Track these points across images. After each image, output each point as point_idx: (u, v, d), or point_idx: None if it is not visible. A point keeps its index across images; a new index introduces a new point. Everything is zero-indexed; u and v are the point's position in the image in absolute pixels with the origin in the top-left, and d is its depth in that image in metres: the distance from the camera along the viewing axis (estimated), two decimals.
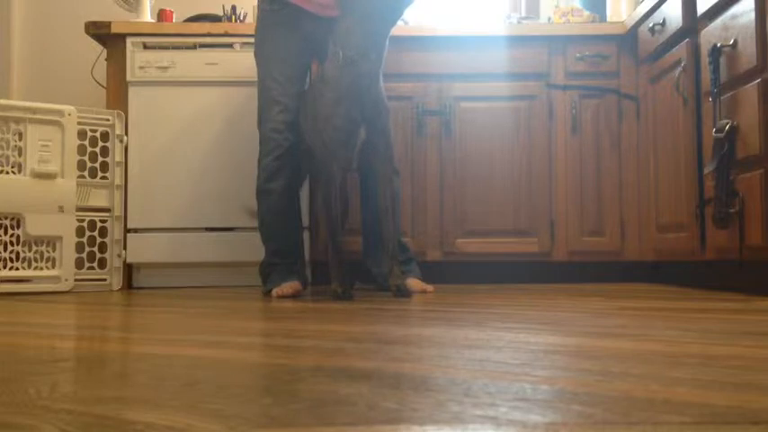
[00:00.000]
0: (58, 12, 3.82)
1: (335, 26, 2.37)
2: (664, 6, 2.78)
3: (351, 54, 2.29)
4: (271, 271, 2.59)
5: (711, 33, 2.37)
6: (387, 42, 2.37)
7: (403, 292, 2.34)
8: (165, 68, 3.14)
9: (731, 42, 2.22)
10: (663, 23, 2.79)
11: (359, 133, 2.35)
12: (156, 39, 3.16)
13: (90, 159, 3.01)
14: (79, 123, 2.96)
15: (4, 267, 2.74)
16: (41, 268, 2.82)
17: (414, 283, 2.62)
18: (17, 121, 2.81)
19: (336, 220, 2.38)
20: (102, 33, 3.19)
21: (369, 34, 2.30)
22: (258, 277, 2.71)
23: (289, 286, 2.48)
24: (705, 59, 2.38)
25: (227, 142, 3.14)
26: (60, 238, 2.86)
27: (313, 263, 3.09)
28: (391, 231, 2.43)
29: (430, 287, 2.62)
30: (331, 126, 2.32)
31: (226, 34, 3.18)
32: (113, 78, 3.19)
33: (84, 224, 2.98)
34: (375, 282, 2.73)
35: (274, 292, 2.49)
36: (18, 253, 2.78)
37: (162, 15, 3.36)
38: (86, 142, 3.00)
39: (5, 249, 2.76)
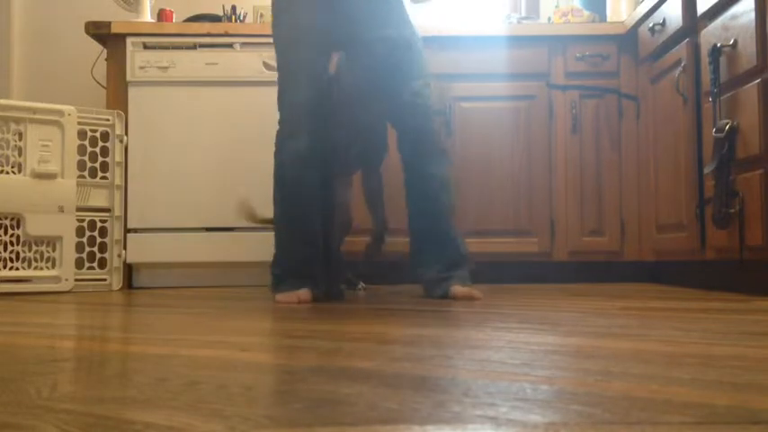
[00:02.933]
0: (58, 12, 3.82)
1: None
2: (664, 6, 2.78)
3: (352, 103, 2.25)
4: (289, 275, 2.23)
5: (711, 33, 2.37)
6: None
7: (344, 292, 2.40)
8: (165, 68, 3.14)
9: (731, 42, 2.22)
10: (663, 23, 2.79)
11: (350, 147, 2.33)
12: (156, 39, 3.17)
13: (90, 159, 3.01)
14: (79, 123, 2.96)
15: (4, 267, 2.74)
16: (41, 268, 2.82)
17: (456, 290, 2.23)
18: (17, 121, 2.81)
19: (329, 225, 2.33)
20: (102, 33, 3.19)
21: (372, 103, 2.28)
22: (257, 276, 2.59)
23: (295, 295, 2.17)
24: (705, 59, 2.38)
25: (227, 142, 3.14)
26: (60, 238, 2.86)
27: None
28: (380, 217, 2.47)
29: (477, 293, 2.22)
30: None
31: (226, 34, 3.18)
32: (113, 78, 3.19)
33: (84, 224, 2.98)
34: (423, 287, 2.38)
35: (280, 297, 2.21)
36: (18, 253, 2.78)
37: (162, 15, 3.36)
38: (86, 142, 3.00)
39: (5, 249, 2.76)
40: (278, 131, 2.29)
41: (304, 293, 2.17)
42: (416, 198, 2.31)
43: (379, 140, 2.45)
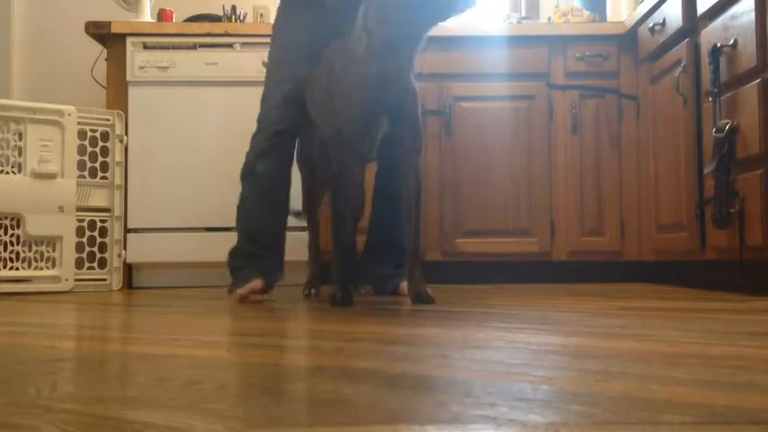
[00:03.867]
0: (58, 12, 3.82)
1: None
2: (664, 6, 2.78)
3: (378, 46, 1.93)
4: (243, 265, 2.26)
5: (711, 33, 2.37)
6: (423, 38, 1.98)
7: (424, 298, 2.00)
8: (165, 68, 3.14)
9: (731, 42, 2.22)
10: (663, 23, 2.79)
11: (380, 124, 2.02)
12: (156, 39, 3.17)
13: (90, 159, 3.01)
14: (79, 123, 2.96)
15: (4, 267, 2.74)
16: (41, 268, 2.82)
17: (404, 286, 2.26)
18: (17, 121, 2.81)
19: (344, 217, 2.05)
20: (102, 33, 3.19)
21: (406, 26, 1.91)
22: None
23: (248, 288, 2.18)
24: (705, 59, 2.38)
25: (226, 142, 3.13)
26: (60, 238, 2.86)
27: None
28: (413, 229, 2.05)
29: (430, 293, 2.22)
30: (348, 114, 2.01)
31: (226, 34, 3.18)
32: (113, 78, 3.19)
33: (84, 224, 2.98)
34: (372, 283, 2.47)
35: (237, 293, 2.21)
36: (18, 253, 2.78)
37: (162, 15, 3.36)
38: (86, 142, 3.00)
39: (5, 249, 2.76)
40: (255, 132, 2.40)
41: (255, 283, 2.20)
42: (387, 206, 2.33)
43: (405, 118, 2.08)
